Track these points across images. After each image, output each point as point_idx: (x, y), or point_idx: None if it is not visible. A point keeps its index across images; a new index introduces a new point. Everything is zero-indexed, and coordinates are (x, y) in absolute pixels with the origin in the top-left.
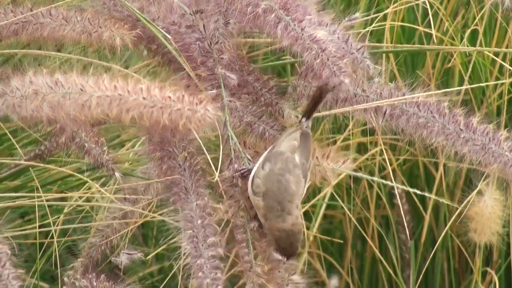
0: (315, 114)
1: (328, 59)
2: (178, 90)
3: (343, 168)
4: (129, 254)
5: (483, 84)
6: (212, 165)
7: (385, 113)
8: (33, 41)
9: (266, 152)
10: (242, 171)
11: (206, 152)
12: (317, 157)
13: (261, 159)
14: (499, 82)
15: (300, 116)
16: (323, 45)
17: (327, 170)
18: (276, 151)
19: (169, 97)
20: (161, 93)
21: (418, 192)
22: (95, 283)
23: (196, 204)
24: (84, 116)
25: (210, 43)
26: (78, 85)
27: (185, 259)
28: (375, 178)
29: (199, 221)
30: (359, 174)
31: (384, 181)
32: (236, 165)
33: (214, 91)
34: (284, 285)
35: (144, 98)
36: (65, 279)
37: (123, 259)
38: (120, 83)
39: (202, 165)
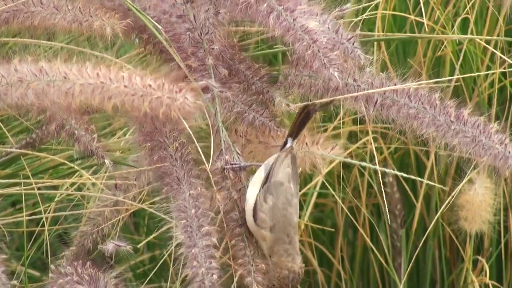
0: (307, 104)
1: (319, 51)
2: (158, 78)
3: (333, 154)
4: (116, 244)
5: (474, 75)
6: (202, 155)
7: (376, 102)
8: (24, 30)
9: (262, 174)
10: (233, 166)
11: (196, 142)
12: (306, 143)
13: (257, 183)
14: (490, 72)
15: (286, 136)
16: (315, 36)
17: (316, 156)
18: (275, 181)
19: (150, 85)
20: (142, 81)
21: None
22: (80, 270)
23: (189, 194)
24: (68, 103)
25: (201, 33)
26: (62, 73)
27: (176, 247)
28: (365, 164)
29: (193, 211)
30: (348, 160)
31: (373, 166)
32: (227, 157)
33: (204, 81)
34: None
35: (125, 86)
36: (52, 266)
37: (109, 247)
38: (102, 71)
39: (193, 155)
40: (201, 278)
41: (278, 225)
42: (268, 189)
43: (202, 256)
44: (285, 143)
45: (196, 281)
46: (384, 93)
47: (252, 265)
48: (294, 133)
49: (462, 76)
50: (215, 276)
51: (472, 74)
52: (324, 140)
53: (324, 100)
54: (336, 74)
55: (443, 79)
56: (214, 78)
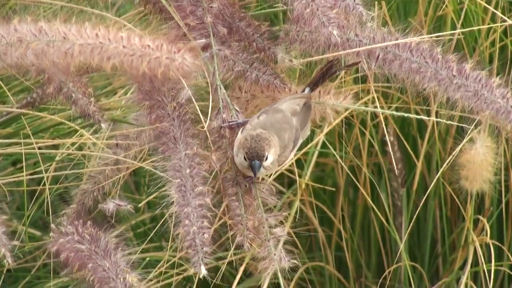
0: (309, 59)
1: (317, 9)
2: (157, 38)
3: (344, 104)
4: (117, 204)
5: (475, 28)
6: (200, 114)
7: (378, 57)
8: None
9: (266, 108)
10: (230, 124)
11: (194, 101)
12: (319, 92)
13: (258, 113)
14: (491, 26)
15: (305, 86)
16: None
17: (327, 106)
18: (276, 107)
19: (148, 46)
20: (140, 42)
21: None
22: (80, 230)
23: (185, 153)
24: (67, 63)
25: None
26: (61, 33)
27: (173, 207)
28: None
29: (188, 171)
30: (362, 108)
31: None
32: (224, 115)
33: (203, 40)
34: (267, 240)
35: (124, 47)
36: (53, 226)
37: (110, 207)
38: (101, 32)
39: (191, 115)
40: (192, 237)
41: (263, 125)
42: (265, 111)
43: (195, 215)
44: (303, 92)
45: (187, 239)
46: (386, 48)
47: (244, 225)
48: (313, 85)
49: (464, 30)
50: (206, 235)
51: (474, 28)
52: (334, 90)
53: (349, 51)
54: (335, 32)
55: (445, 33)
56: (213, 36)
